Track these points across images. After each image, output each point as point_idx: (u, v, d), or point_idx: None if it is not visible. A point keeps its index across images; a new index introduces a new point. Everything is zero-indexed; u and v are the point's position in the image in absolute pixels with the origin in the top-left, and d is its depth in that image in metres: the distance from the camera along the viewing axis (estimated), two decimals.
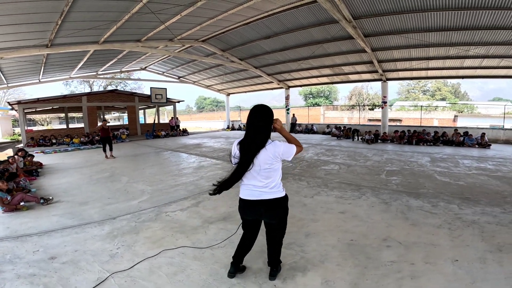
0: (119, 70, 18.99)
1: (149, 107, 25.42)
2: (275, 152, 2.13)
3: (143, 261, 2.91)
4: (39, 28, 7.19)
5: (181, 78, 21.21)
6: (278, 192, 2.23)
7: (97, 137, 15.40)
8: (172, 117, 22.22)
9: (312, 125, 19.79)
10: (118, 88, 26.62)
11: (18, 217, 4.48)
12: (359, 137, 14.46)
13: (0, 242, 3.54)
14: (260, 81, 19.34)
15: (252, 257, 2.77)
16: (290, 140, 2.29)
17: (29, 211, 4.77)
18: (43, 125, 34.81)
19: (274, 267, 2.48)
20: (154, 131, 19.28)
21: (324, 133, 18.10)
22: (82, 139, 16.54)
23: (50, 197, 5.37)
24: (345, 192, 4.89)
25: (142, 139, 17.81)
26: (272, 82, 18.67)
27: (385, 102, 15.44)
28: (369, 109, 31.76)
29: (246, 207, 2.28)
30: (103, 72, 17.62)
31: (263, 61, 15.13)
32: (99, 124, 10.61)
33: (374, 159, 8.40)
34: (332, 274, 2.51)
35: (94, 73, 17.39)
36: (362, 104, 34.23)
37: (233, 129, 24.42)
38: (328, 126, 18.71)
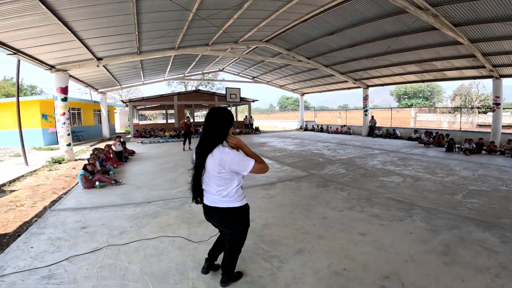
0: (201, 72, 21.29)
1: (233, 105, 27.48)
2: (221, 160, 1.94)
3: (138, 241, 3.22)
4: (126, 39, 8.90)
5: (255, 78, 22.08)
6: (232, 202, 2.07)
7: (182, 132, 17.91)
8: (246, 116, 23.39)
9: (394, 129, 17.29)
10: (203, 88, 29.86)
11: (90, 193, 5.58)
12: (456, 146, 11.68)
13: (64, 211, 4.51)
14: (333, 80, 18.19)
15: (244, 261, 2.72)
16: (249, 155, 2.05)
17: (101, 190, 5.88)
18: (150, 119, 42.47)
19: (224, 273, 2.34)
20: None
21: (410, 138, 15.51)
22: (171, 133, 19.36)
23: (120, 180, 6.52)
24: (386, 211, 4.05)
25: None
26: (346, 81, 17.27)
27: (497, 104, 12.07)
28: (480, 112, 25.37)
29: (205, 211, 2.23)
30: (189, 74, 20.14)
31: (332, 59, 14.14)
32: (184, 120, 12.40)
33: (461, 175, 6.67)
34: None
35: (182, 75, 20.06)
36: (470, 106, 27.64)
37: (306, 130, 23.83)
38: (416, 131, 15.95)
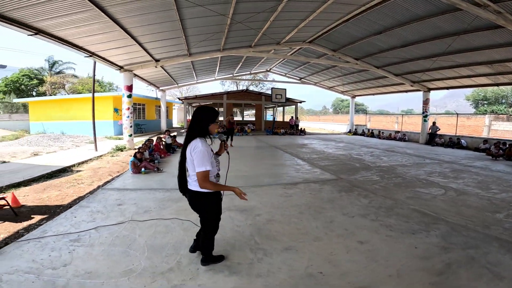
0: (249, 72, 21.97)
1: (279, 106, 27.72)
2: (190, 151, 2.23)
3: (155, 220, 3.69)
4: (176, 42, 9.89)
5: (302, 79, 21.81)
6: (194, 186, 2.32)
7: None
8: (292, 117, 23.28)
9: (458, 138, 15.20)
10: (253, 88, 30.66)
11: (135, 178, 6.43)
12: None
13: (110, 190, 5.32)
14: (387, 82, 16.85)
15: (233, 248, 2.94)
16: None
17: (145, 175, 6.71)
18: None
19: (203, 254, 2.58)
20: (274, 128, 20.96)
21: (477, 149, 13.48)
22: (219, 129, 20.54)
23: (162, 169, 7.34)
24: (403, 222, 3.73)
25: (263, 135, 19.82)
26: (402, 83, 15.83)
27: None
28: None
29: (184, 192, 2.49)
30: (237, 74, 21.04)
31: (384, 59, 13.11)
32: (227, 118, 13.24)
33: None
34: None
35: (231, 75, 21.04)
36: None
37: (355, 134, 22.58)
38: (486, 141, 13.79)
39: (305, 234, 3.30)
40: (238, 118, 38.80)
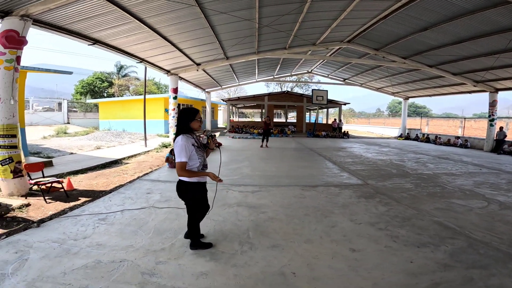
0: (289, 74, 21.88)
1: (323, 108, 27.02)
2: (175, 142, 2.58)
3: (171, 208, 4.13)
4: (212, 47, 10.51)
5: (346, 80, 20.87)
6: (181, 176, 2.63)
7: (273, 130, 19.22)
8: (335, 119, 22.45)
9: None
10: (298, 89, 30.34)
11: (169, 171, 7.10)
12: None
13: (145, 181, 6.02)
14: (444, 82, 15.10)
15: (225, 238, 3.18)
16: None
17: None
18: (249, 117, 46.57)
19: (189, 238, 2.89)
20: (315, 131, 20.52)
21: None
22: (259, 130, 20.93)
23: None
24: (414, 235, 3.42)
25: (303, 137, 19.60)
26: (463, 83, 14.04)
27: None
28: None
29: None
30: (278, 75, 21.16)
31: (436, 57, 11.77)
32: (264, 119, 13.62)
33: None
34: (217, 277, 2.43)
35: (272, 77, 21.23)
36: None
37: (407, 138, 20.73)
38: None
39: (299, 235, 3.32)
40: (281, 119, 39.00)
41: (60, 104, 26.17)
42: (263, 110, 22.68)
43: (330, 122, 25.60)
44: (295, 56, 13.31)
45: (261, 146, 12.68)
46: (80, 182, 5.91)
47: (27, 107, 26.98)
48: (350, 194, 5.25)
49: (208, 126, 23.03)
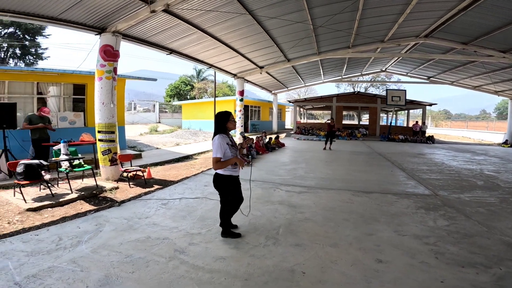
0: (360, 74, 20.32)
1: (402, 109, 24.24)
2: (212, 141, 2.97)
3: (215, 200, 4.55)
4: (271, 50, 10.85)
5: (431, 78, 18.11)
6: (216, 170, 3.00)
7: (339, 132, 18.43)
8: (416, 121, 19.80)
9: None
10: (374, 89, 27.86)
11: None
12: None
13: (207, 174, 6.81)
14: None
15: (255, 231, 3.45)
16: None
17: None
18: (318, 119, 45.20)
19: (221, 225, 3.21)
20: (390, 134, 18.62)
21: None
22: (326, 132, 20.31)
23: (252, 163, 8.44)
24: (467, 253, 2.91)
25: (375, 140, 18.07)
26: None
27: None
28: None
29: None
30: (346, 76, 19.98)
31: None
32: (327, 121, 13.35)
33: None
34: (232, 263, 2.66)
35: (339, 77, 20.17)
36: None
37: None
38: None
39: (327, 238, 3.29)
40: (354, 121, 36.54)
41: (154, 105, 31.09)
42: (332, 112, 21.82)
43: (411, 125, 22.74)
44: (361, 55, 12.50)
45: (324, 148, 12.38)
46: (157, 172, 7.05)
47: (131, 108, 33.03)
48: (408, 204, 4.76)
49: (274, 127, 23.60)
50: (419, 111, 25.43)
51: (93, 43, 6.35)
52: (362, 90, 32.61)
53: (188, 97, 35.22)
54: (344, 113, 31.26)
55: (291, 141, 15.91)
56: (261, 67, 12.95)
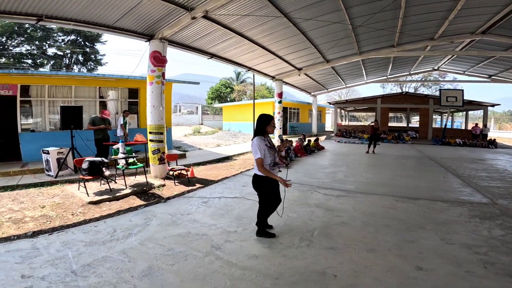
0: (408, 73, 18.80)
1: (459, 110, 21.91)
2: (251, 143, 3.09)
3: (252, 200, 4.69)
4: (308, 52, 10.74)
5: (492, 77, 16.03)
6: (255, 170, 3.11)
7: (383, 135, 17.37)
8: (476, 124, 17.69)
9: None
10: (425, 89, 25.58)
11: None
12: None
13: (245, 175, 7.05)
14: None
15: (289, 231, 3.51)
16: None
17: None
18: (361, 121, 42.91)
19: (257, 225, 3.30)
20: (444, 137, 16.94)
21: None
22: (369, 135, 19.27)
23: (289, 165, 8.45)
24: None
25: (426, 144, 16.63)
26: None
27: None
28: None
29: None
30: (391, 75, 18.67)
31: None
32: (371, 123, 12.77)
33: None
34: (264, 261, 2.70)
35: (384, 77, 18.92)
36: None
37: None
38: None
39: (364, 243, 3.19)
40: (402, 124, 33.95)
41: (197, 108, 32.78)
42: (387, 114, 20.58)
43: (469, 128, 20.41)
44: (407, 53, 11.62)
45: (367, 151, 11.81)
46: (199, 172, 7.47)
47: (176, 110, 35.28)
48: (460, 212, 4.35)
49: (314, 129, 23.13)
50: (479, 113, 22.70)
51: (139, 49, 7.02)
52: (411, 91, 30.19)
53: (228, 99, 36.29)
54: (391, 115, 29.26)
55: (331, 144, 15.48)
56: (299, 69, 12.86)
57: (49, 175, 6.45)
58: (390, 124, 24.22)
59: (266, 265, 2.68)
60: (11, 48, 23.83)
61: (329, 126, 34.17)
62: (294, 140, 15.37)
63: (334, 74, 15.44)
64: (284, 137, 15.33)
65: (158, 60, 6.68)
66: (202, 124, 29.82)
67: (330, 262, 2.76)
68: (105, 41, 29.09)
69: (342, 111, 32.04)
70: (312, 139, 13.65)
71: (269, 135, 3.24)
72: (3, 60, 23.18)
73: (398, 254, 2.94)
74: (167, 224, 3.71)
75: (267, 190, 3.15)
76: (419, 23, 9.17)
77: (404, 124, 32.98)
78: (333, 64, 12.54)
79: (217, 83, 38.46)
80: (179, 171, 6.46)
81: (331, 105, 25.35)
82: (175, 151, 10.15)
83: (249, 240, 3.20)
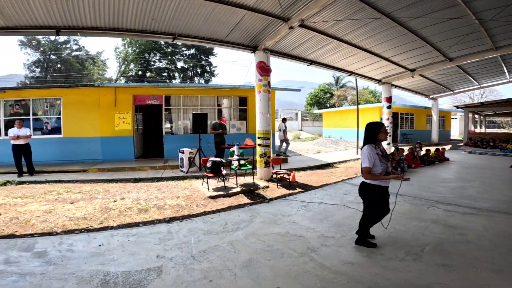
0: None
1: None
2: (361, 151, 3.10)
3: (353, 209, 4.63)
4: (422, 51, 9.37)
5: None
6: (363, 178, 3.12)
7: None
8: None
9: None
10: None
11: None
12: None
13: (346, 184, 6.97)
14: None
15: (394, 244, 3.37)
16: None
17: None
18: (504, 128, 32.76)
19: (357, 233, 3.28)
20: None
21: None
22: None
23: (408, 178, 7.64)
24: None
25: None
26: None
27: None
28: None
29: None
30: None
31: None
32: None
33: None
34: (359, 269, 2.51)
35: None
36: None
37: None
38: None
39: (490, 263, 2.71)
40: None
41: (296, 114, 33.50)
42: None
43: None
44: None
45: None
46: (300, 177, 7.77)
47: (277, 117, 37.13)
48: None
49: (434, 137, 19.64)
50: None
51: (243, 59, 7.90)
52: None
53: (328, 105, 35.39)
54: None
55: (459, 155, 12.85)
56: (412, 70, 11.31)
57: (182, 171, 8.24)
58: None
59: (361, 272, 2.67)
60: (152, 62, 30.92)
61: (455, 133, 28.06)
62: (406, 149, 13.63)
63: (461, 73, 12.71)
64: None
65: (264, 69, 7.42)
66: (301, 130, 30.23)
67: (439, 278, 2.53)
68: (216, 53, 33.84)
69: (476, 115, 25.69)
70: (432, 148, 11.71)
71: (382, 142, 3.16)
72: (148, 74, 30.45)
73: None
74: (268, 223, 4.13)
75: (376, 199, 3.09)
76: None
77: None
78: (459, 63, 10.37)
79: (316, 89, 38.17)
80: (282, 175, 6.95)
81: (459, 109, 20.81)
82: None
83: (346, 247, 3.24)
